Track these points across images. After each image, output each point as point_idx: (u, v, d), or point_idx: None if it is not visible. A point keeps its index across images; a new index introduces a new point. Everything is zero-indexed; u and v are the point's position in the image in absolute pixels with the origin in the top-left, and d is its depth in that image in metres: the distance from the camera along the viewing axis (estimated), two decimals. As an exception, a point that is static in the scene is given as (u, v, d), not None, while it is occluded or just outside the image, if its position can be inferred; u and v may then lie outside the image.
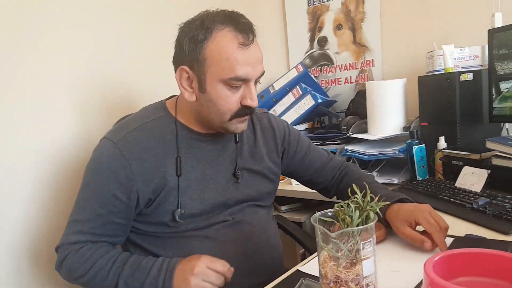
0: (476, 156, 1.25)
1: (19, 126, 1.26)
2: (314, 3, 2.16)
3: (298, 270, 0.88)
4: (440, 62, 1.54)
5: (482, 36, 1.43)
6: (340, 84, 2.15)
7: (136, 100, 1.61)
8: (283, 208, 1.75)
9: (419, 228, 0.92)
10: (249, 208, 1.08)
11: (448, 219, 1.06)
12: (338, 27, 2.11)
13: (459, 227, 1.01)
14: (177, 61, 0.96)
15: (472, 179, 1.21)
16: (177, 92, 1.05)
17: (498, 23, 1.50)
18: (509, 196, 1.07)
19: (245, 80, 0.92)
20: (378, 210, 0.69)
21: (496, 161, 1.15)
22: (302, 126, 2.04)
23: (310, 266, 0.88)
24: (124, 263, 0.93)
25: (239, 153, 1.08)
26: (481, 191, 1.15)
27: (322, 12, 2.14)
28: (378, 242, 0.92)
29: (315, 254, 0.93)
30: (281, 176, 1.34)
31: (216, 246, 1.01)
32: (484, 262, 0.66)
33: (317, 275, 0.72)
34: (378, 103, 1.67)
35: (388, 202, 0.90)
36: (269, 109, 1.97)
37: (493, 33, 1.34)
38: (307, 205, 1.79)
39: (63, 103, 1.38)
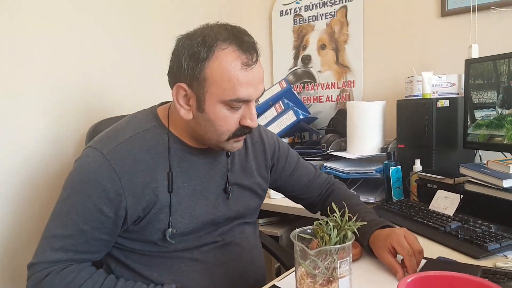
0: (450, 181, 1.29)
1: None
2: (300, 22, 2.21)
3: (274, 285, 0.88)
4: (419, 87, 1.59)
5: (459, 65, 1.48)
6: (321, 101, 2.19)
7: (114, 103, 1.59)
8: (261, 221, 1.76)
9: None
10: (238, 227, 1.06)
11: (422, 241, 1.08)
12: (322, 46, 2.16)
13: (431, 249, 1.03)
14: (175, 77, 0.91)
15: (445, 202, 1.25)
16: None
17: (475, 54, 1.57)
18: (480, 221, 1.11)
19: (246, 101, 0.89)
20: (355, 229, 0.70)
21: (468, 187, 1.19)
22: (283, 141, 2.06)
23: (287, 281, 0.89)
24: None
25: (230, 167, 1.04)
26: (453, 215, 1.19)
27: (307, 31, 2.19)
28: (354, 261, 0.94)
29: (292, 269, 0.94)
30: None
31: (204, 270, 0.97)
32: (455, 285, 0.68)
33: (294, 291, 0.72)
34: (357, 123, 1.71)
35: (364, 223, 0.91)
36: (251, 123, 1.98)
37: (470, 63, 1.40)
38: (285, 219, 1.80)
39: (36, 104, 1.34)
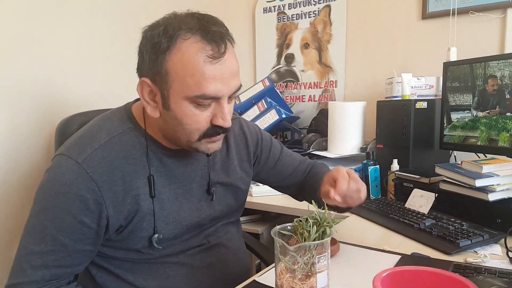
0: (425, 180, 1.33)
1: None
2: (284, 20, 2.23)
3: (255, 280, 0.89)
4: (398, 89, 1.63)
5: (438, 67, 1.53)
6: (304, 101, 2.22)
7: (86, 97, 1.55)
8: (242, 219, 1.76)
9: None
10: (222, 227, 1.03)
11: (397, 238, 1.13)
12: (305, 45, 2.18)
13: (406, 245, 1.07)
14: (140, 71, 0.84)
15: (420, 201, 1.29)
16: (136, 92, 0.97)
17: (453, 57, 1.62)
18: (453, 219, 1.15)
19: (215, 98, 0.81)
20: (334, 226, 0.72)
21: (443, 186, 1.23)
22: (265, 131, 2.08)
23: (267, 277, 0.90)
24: None
25: (211, 166, 0.99)
26: (428, 213, 1.23)
27: (291, 30, 2.21)
28: (332, 256, 0.96)
29: (272, 265, 0.96)
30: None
31: (190, 273, 0.95)
32: (428, 279, 0.71)
33: (273, 286, 0.74)
34: (339, 122, 1.74)
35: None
36: (233, 120, 1.99)
37: (448, 66, 1.44)
38: (266, 217, 1.81)
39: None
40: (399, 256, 0.98)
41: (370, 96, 1.90)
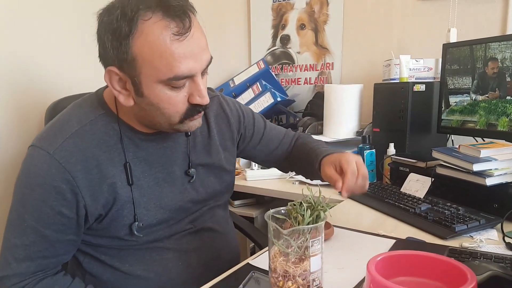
0: (422, 164, 1.31)
1: None
2: (279, 0, 2.18)
3: (248, 263, 0.88)
4: (396, 71, 1.60)
5: (437, 49, 1.50)
6: (299, 84, 2.19)
7: (75, 80, 1.51)
8: (236, 203, 1.76)
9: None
10: (208, 211, 1.01)
11: (392, 222, 1.12)
12: (301, 26, 2.14)
13: (401, 229, 1.06)
14: (104, 60, 0.79)
15: (416, 185, 1.27)
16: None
17: (453, 38, 1.58)
18: (449, 204, 1.14)
19: (188, 77, 0.77)
20: (328, 210, 0.71)
21: (440, 170, 1.21)
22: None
23: (260, 260, 0.89)
24: None
25: (191, 147, 0.96)
26: (424, 198, 1.21)
27: (287, 10, 2.16)
28: (326, 240, 0.95)
29: (265, 248, 0.95)
30: (236, 171, 1.34)
31: (177, 257, 0.94)
32: (422, 264, 0.69)
33: (267, 269, 0.73)
34: (335, 106, 1.71)
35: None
36: (228, 103, 1.96)
37: (447, 48, 1.41)
38: (260, 201, 1.80)
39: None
40: (394, 241, 0.97)
41: (367, 78, 1.87)
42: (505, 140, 1.21)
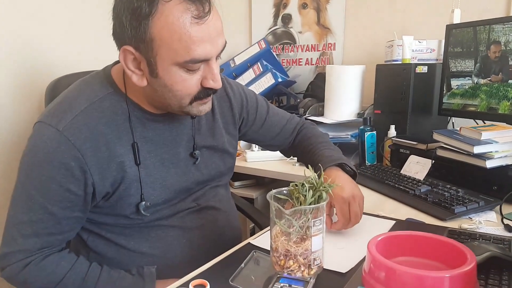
0: (422, 146, 1.32)
1: None
2: (282, -21, 2.14)
3: (249, 243, 0.89)
4: (399, 52, 1.59)
5: (440, 30, 1.48)
6: (301, 64, 2.17)
7: (74, 58, 1.51)
8: (236, 184, 1.77)
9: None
10: (211, 190, 1.02)
11: (392, 203, 1.13)
12: (303, 5, 2.10)
13: (401, 211, 1.07)
14: (119, 39, 0.78)
15: (416, 167, 1.28)
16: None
17: (457, 19, 1.56)
18: (448, 186, 1.15)
19: (204, 60, 0.78)
20: (330, 190, 0.71)
21: (440, 152, 1.21)
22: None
23: (261, 240, 0.90)
24: (95, 282, 0.85)
25: (196, 129, 0.97)
26: (424, 179, 1.22)
27: (289, -11, 2.13)
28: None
29: (266, 228, 0.96)
30: (237, 152, 1.34)
31: (181, 234, 0.95)
32: (422, 244, 0.70)
33: (268, 248, 0.74)
34: (336, 87, 1.70)
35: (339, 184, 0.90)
36: (228, 83, 1.95)
37: (451, 29, 1.39)
38: (260, 182, 1.81)
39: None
40: (394, 222, 0.98)
41: (370, 59, 1.86)
42: (506, 123, 1.21)
